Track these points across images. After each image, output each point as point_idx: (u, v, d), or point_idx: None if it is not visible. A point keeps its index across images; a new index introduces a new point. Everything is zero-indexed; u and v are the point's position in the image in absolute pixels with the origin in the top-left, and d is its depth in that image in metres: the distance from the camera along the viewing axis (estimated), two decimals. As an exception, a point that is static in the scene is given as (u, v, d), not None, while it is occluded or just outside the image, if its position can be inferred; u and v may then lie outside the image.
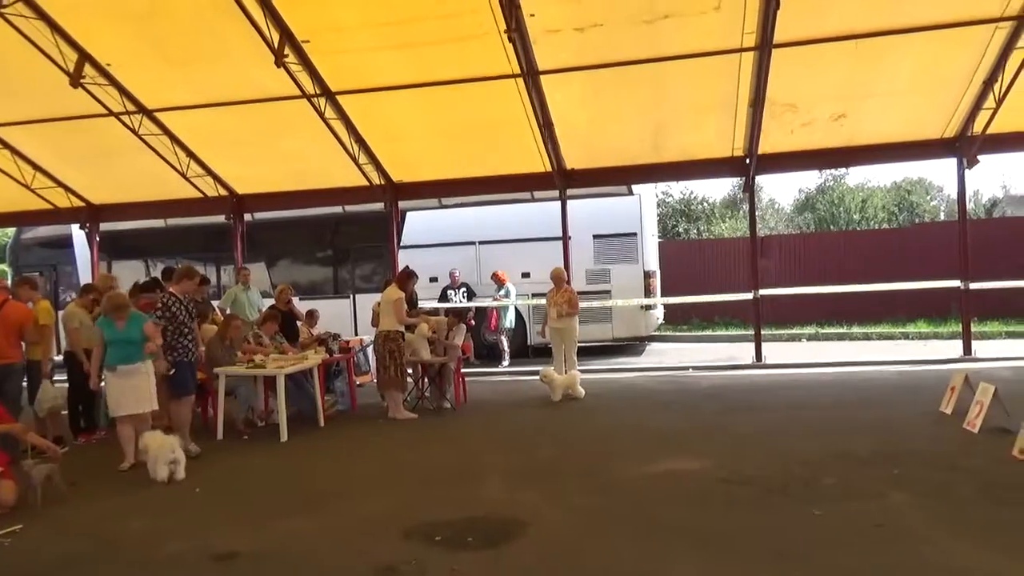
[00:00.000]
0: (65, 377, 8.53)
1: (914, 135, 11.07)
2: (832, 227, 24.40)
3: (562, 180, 12.02)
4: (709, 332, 16.79)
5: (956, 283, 11.54)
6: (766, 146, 11.20)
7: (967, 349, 11.42)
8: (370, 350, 11.21)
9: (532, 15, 8.86)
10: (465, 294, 13.37)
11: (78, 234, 15.10)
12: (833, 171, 26.26)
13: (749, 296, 12.13)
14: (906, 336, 14.81)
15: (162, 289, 8.44)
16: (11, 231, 18.99)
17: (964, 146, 11.00)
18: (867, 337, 15.02)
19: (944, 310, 15.00)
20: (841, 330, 15.68)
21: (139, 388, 7.08)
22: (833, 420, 7.68)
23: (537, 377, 9.78)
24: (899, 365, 11.14)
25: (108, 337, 7.08)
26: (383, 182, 12.50)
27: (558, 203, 12.27)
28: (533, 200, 13.55)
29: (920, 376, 10.14)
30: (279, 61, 9.17)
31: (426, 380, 9.60)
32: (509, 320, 13.45)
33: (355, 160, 11.68)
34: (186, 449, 7.03)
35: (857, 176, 27.64)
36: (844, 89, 10.11)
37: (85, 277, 14.00)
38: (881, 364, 11.31)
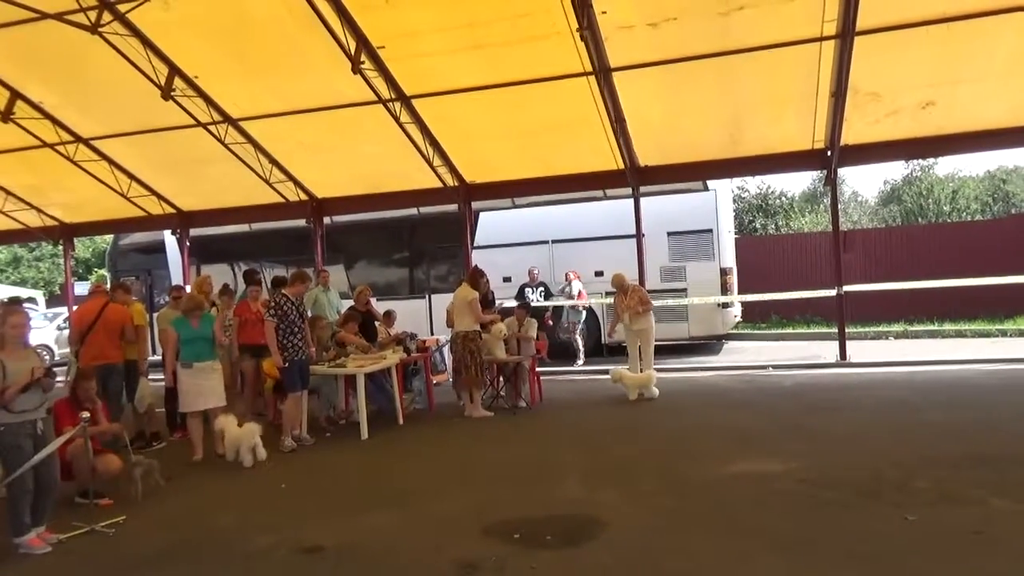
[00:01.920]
0: (161, 376, 8.97)
1: (1010, 121, 10.43)
2: (920, 220, 23.37)
3: (635, 177, 11.89)
4: (789, 330, 16.30)
5: (1060, 276, 10.88)
6: (849, 137, 10.80)
7: (1072, 347, 10.76)
8: (446, 350, 11.36)
9: (604, 12, 8.78)
10: (543, 293, 13.37)
11: (170, 240, 15.86)
12: (921, 161, 25.17)
13: (832, 292, 11.73)
14: (1004, 333, 14.02)
15: (257, 281, 9.43)
16: (110, 238, 20.10)
17: (1067, 130, 10.35)
18: (960, 334, 14.30)
19: (1046, 305, 14.17)
20: (932, 327, 14.98)
21: (210, 385, 7.63)
22: (925, 422, 7.36)
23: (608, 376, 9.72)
24: (996, 364, 10.57)
25: (183, 335, 7.63)
26: (457, 183, 12.65)
27: (631, 200, 12.15)
28: (606, 198, 13.47)
29: (1019, 375, 9.61)
30: (356, 68, 9.38)
31: (501, 379, 9.66)
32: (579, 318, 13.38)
33: (429, 162, 11.87)
34: (300, 438, 7.93)
35: (947, 166, 26.43)
36: (932, 75, 9.64)
37: (177, 280, 14.66)
38: (976, 363, 10.73)
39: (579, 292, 13.15)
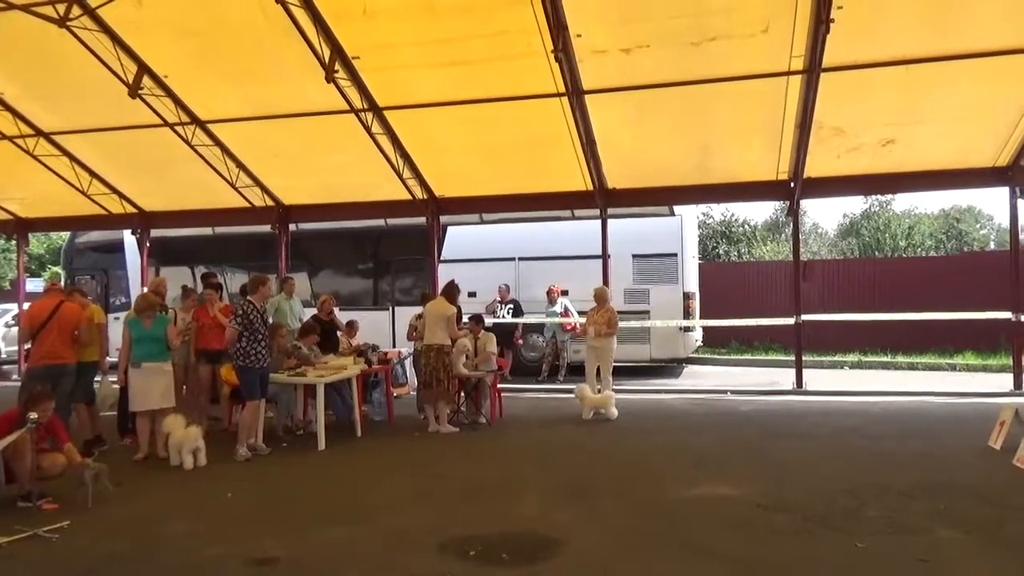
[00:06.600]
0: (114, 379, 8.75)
1: (965, 163, 10.83)
2: (877, 253, 23.97)
3: (603, 199, 12.02)
4: (748, 356, 16.56)
5: (1007, 314, 11.22)
6: (812, 170, 11.07)
7: (1017, 383, 11.08)
8: (408, 363, 11.28)
9: (579, 35, 8.92)
10: (511, 310, 13.34)
11: (129, 240, 15.54)
12: (879, 197, 25.87)
13: (791, 321, 11.96)
14: (953, 367, 14.43)
15: (215, 284, 9.33)
16: (66, 235, 19.60)
17: (1017, 175, 10.74)
18: (912, 367, 14.67)
19: (993, 342, 14.59)
20: (885, 359, 15.34)
21: (160, 385, 7.68)
22: (876, 451, 7.51)
23: (572, 395, 9.75)
24: (945, 397, 10.86)
25: (135, 335, 7.66)
26: (426, 196, 12.64)
27: (598, 221, 12.27)
28: (574, 218, 13.57)
29: (967, 409, 9.87)
30: (329, 76, 9.36)
31: (462, 394, 9.62)
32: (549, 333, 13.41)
33: (399, 174, 11.84)
34: (256, 447, 7.82)
35: (904, 202, 27.21)
36: (893, 114, 9.96)
37: (135, 281, 14.38)
38: (926, 395, 11.02)
39: (565, 310, 13.05)
